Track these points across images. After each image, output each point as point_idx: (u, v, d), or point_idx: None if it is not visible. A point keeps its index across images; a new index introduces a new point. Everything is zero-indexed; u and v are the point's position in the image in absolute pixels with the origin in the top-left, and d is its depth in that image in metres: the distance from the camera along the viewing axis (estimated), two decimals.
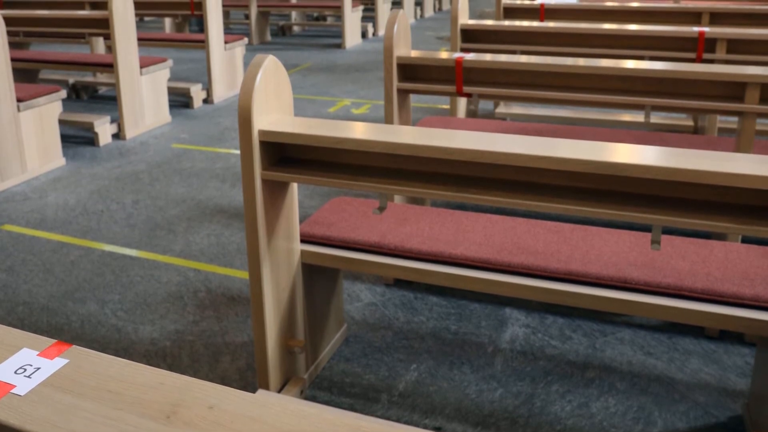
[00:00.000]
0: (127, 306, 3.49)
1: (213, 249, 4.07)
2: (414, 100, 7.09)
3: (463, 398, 2.75)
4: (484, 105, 6.89)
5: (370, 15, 12.84)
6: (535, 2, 5.81)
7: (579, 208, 2.18)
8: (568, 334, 3.16)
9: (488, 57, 3.72)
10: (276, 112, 2.47)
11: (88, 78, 8.02)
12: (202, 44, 7.52)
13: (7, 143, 5.09)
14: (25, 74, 7.47)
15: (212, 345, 3.14)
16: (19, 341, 1.45)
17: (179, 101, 7.54)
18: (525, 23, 4.88)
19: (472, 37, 4.95)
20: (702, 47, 4.44)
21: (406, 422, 2.64)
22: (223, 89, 7.64)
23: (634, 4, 5.59)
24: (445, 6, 15.85)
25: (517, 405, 2.71)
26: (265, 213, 2.46)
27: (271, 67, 2.39)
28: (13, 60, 6.69)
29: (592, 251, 2.58)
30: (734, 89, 3.42)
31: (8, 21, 7.24)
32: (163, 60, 6.68)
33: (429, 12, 14.68)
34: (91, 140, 6.20)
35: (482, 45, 4.91)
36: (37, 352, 1.41)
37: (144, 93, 6.45)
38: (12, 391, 1.29)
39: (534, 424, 2.61)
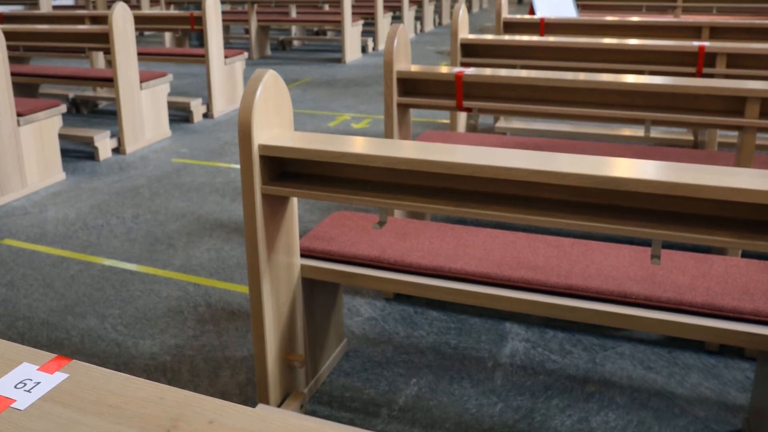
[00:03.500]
0: (127, 320, 3.48)
1: (213, 263, 4.07)
2: (414, 114, 7.11)
3: (463, 413, 2.74)
4: (484, 120, 6.90)
5: (370, 29, 12.89)
6: (535, 17, 5.83)
7: (579, 222, 2.18)
8: (568, 348, 3.15)
9: (488, 72, 3.73)
10: (276, 127, 2.48)
11: (88, 92, 8.04)
12: (202, 59, 7.55)
13: (7, 158, 5.10)
14: (26, 89, 7.50)
15: (212, 359, 3.14)
16: (19, 356, 1.44)
17: (179, 116, 7.56)
18: (525, 38, 4.90)
19: (472, 51, 4.96)
20: (702, 62, 4.46)
21: None
22: (223, 104, 7.66)
23: (634, 19, 5.61)
24: (445, 21, 15.91)
25: (517, 419, 2.70)
26: (265, 227, 2.46)
27: (271, 82, 2.39)
28: (13, 74, 6.72)
29: (592, 266, 2.57)
30: (734, 104, 3.43)
31: (8, 35, 7.27)
32: (163, 74, 6.70)
33: (429, 27, 14.74)
34: (91, 155, 6.21)
35: (482, 59, 4.93)
36: (37, 367, 1.40)
37: (144, 107, 6.46)
38: (12, 405, 1.29)
39: None
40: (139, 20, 8.49)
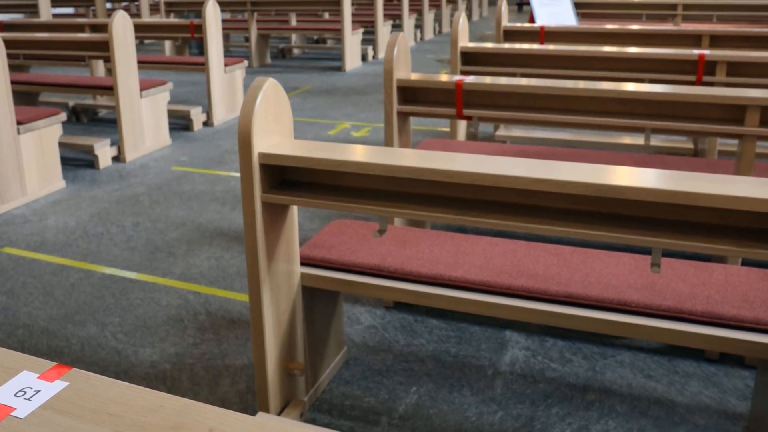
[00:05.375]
0: (127, 329, 3.48)
1: (213, 272, 4.07)
2: (414, 122, 7.11)
3: (463, 421, 2.74)
4: (484, 128, 6.91)
5: (370, 38, 12.92)
6: (535, 25, 5.84)
7: (579, 230, 2.18)
8: (568, 356, 3.15)
9: (488, 80, 3.74)
10: (276, 135, 2.48)
11: (88, 101, 8.05)
12: (202, 67, 7.56)
13: (7, 166, 5.10)
14: (26, 97, 7.50)
15: (212, 368, 3.13)
16: (19, 364, 1.44)
17: (179, 124, 7.56)
18: (525, 46, 4.90)
19: (472, 59, 4.97)
20: (702, 70, 4.46)
21: None
22: (223, 112, 7.67)
23: (634, 27, 5.62)
24: (445, 29, 15.94)
25: (517, 428, 2.69)
26: (265, 236, 2.46)
27: (271, 90, 2.40)
28: (13, 83, 6.73)
29: (592, 274, 2.57)
30: (734, 112, 3.43)
31: (8, 44, 7.28)
32: (163, 83, 6.71)
33: (429, 35, 14.76)
34: (91, 163, 6.21)
35: (482, 68, 4.93)
36: (37, 375, 1.40)
37: (144, 116, 6.47)
38: (12, 413, 1.29)
39: None
40: (139, 28, 8.50)
